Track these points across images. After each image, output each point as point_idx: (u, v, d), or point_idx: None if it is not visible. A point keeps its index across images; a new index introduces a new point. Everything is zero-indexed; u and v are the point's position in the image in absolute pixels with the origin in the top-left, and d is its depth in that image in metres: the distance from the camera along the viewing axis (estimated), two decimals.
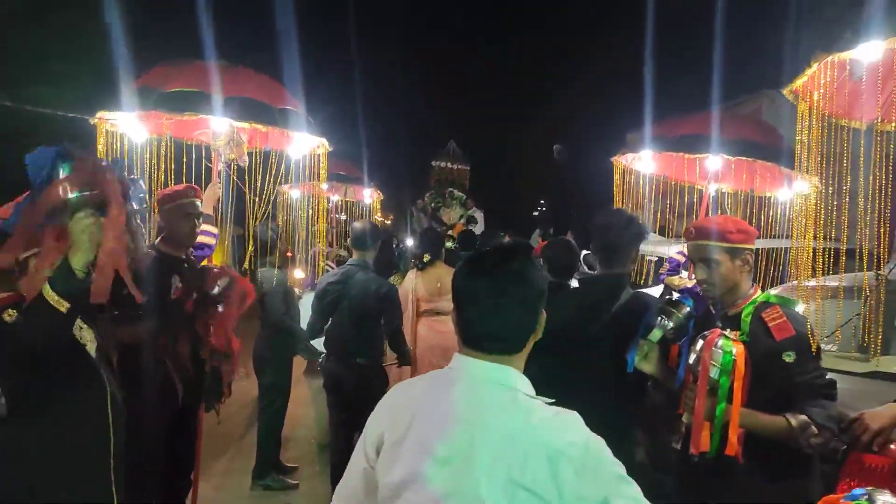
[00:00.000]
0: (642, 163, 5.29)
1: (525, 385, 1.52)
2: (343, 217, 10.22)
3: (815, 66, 2.29)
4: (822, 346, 3.26)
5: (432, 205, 10.03)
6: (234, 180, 4.49)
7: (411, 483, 1.44)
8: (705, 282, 2.41)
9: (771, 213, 4.84)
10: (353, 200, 8.86)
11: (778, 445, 2.19)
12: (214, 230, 3.93)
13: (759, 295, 2.39)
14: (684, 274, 5.11)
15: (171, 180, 4.27)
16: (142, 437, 3.29)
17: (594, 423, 3.06)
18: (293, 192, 6.40)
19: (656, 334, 2.46)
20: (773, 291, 4.10)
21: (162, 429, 3.34)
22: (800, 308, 3.90)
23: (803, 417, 2.13)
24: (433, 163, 10.83)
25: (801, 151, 2.45)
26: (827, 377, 2.25)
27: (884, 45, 2.09)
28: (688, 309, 2.46)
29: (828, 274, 3.76)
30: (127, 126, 4.04)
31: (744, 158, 4.75)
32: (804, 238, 3.99)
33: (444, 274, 5.46)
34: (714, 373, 2.17)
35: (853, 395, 2.83)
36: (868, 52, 2.18)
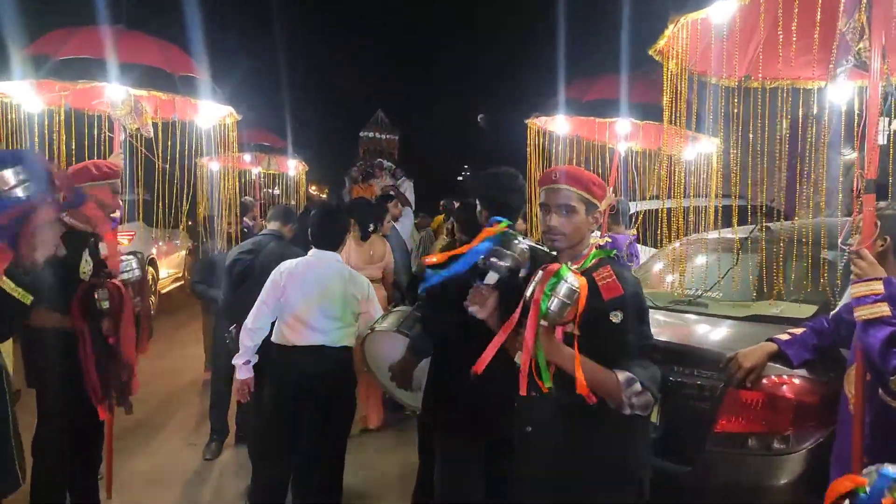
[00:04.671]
0: (556, 124, 5.41)
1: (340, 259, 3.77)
2: (277, 192, 10.05)
3: (671, 28, 2.38)
4: (709, 293, 3.49)
5: (360, 175, 9.96)
6: (141, 150, 4.40)
7: (306, 295, 3.56)
8: (557, 231, 2.26)
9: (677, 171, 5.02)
10: (276, 172, 8.73)
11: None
12: (119, 202, 3.84)
13: (592, 253, 2.28)
14: (597, 233, 5.28)
15: (73, 153, 4.15)
16: (52, 415, 3.30)
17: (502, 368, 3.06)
18: (212, 165, 6.26)
19: (492, 276, 2.28)
20: (676, 244, 4.29)
21: (72, 408, 3.29)
22: (700, 260, 4.12)
23: (629, 373, 2.07)
24: (361, 133, 10.77)
25: (671, 106, 2.53)
26: (651, 341, 2.22)
27: (735, 4, 2.16)
28: (523, 247, 2.32)
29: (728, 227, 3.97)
30: (21, 96, 3.90)
31: (651, 122, 4.92)
32: (708, 195, 4.19)
33: (377, 243, 5.51)
34: (558, 307, 1.99)
35: (733, 338, 3.01)
36: (719, 11, 2.26)
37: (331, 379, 3.58)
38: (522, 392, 2.13)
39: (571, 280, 2.02)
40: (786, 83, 2.85)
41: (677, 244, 4.21)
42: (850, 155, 3.28)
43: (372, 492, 4.50)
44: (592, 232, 2.39)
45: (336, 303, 3.61)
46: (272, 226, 4.62)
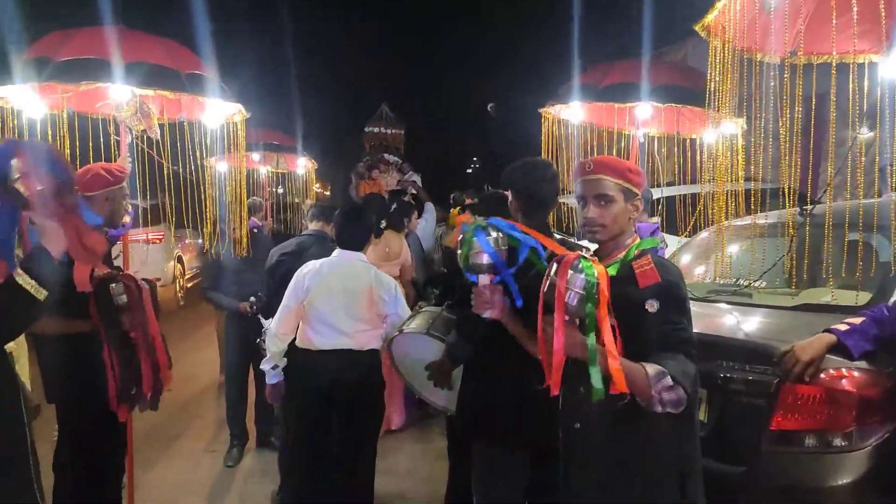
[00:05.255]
0: (571, 112, 5.24)
1: (366, 259, 3.62)
2: (281, 191, 9.91)
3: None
4: (754, 283, 3.33)
5: (367, 171, 9.80)
6: (146, 152, 4.26)
7: (330, 296, 3.45)
8: (595, 222, 2.14)
9: (698, 156, 4.85)
10: (284, 171, 8.57)
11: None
12: (129, 207, 3.71)
13: (636, 244, 2.17)
14: None
15: (77, 157, 4.02)
16: (74, 429, 3.18)
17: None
18: (220, 166, 6.11)
19: (483, 277, 2.23)
20: (703, 234, 4.13)
21: (93, 420, 3.16)
22: (733, 248, 3.96)
23: (658, 366, 1.92)
24: (366, 128, 10.55)
25: (714, 87, 2.36)
26: (689, 334, 2.03)
27: None
28: (497, 236, 2.22)
29: (759, 213, 3.81)
30: (21, 101, 3.75)
31: (672, 105, 4.76)
32: (733, 180, 4.02)
33: (391, 239, 5.36)
34: (575, 300, 1.89)
35: (784, 329, 2.85)
36: None
37: (358, 383, 3.47)
38: (555, 392, 2.00)
39: (588, 270, 1.90)
40: (834, 58, 2.68)
41: (705, 233, 4.06)
42: (867, 134, 3.12)
43: (402, 495, 4.38)
44: (634, 221, 2.26)
45: (362, 304, 3.48)
46: (314, 226, 4.48)
